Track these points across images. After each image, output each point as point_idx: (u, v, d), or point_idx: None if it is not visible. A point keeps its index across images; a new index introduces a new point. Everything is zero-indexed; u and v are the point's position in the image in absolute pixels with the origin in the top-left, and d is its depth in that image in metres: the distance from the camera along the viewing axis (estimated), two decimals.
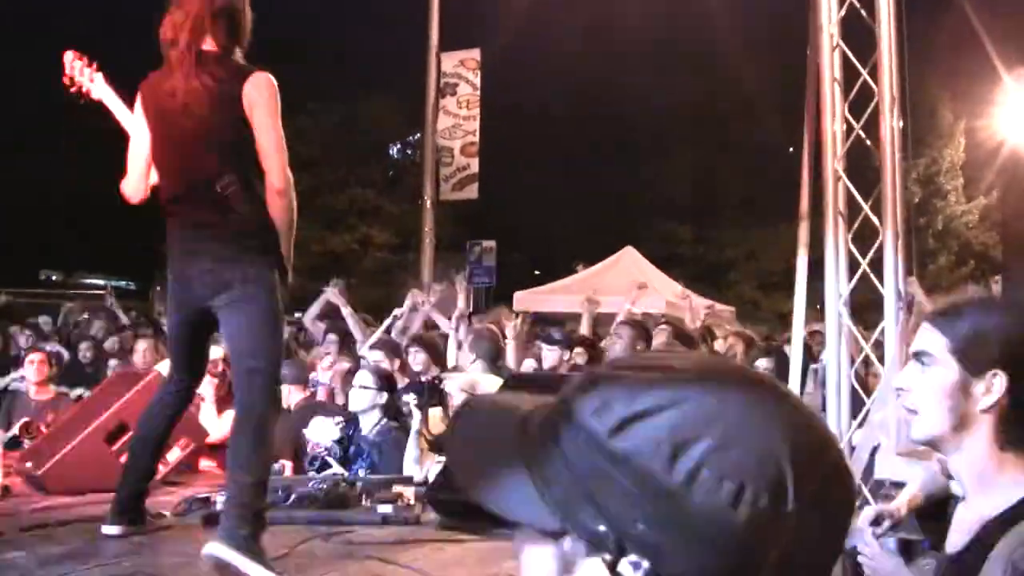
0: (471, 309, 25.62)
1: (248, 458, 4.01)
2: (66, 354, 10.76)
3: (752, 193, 31.24)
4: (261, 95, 4.07)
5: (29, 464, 5.94)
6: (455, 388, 6.00)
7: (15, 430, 7.04)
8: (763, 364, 8.04)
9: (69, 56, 4.71)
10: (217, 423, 6.71)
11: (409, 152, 30.72)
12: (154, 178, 4.42)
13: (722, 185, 33.48)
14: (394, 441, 6.11)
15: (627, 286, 17.63)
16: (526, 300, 19.19)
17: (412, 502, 5.11)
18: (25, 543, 4.47)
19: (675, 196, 33.26)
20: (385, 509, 5.00)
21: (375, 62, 26.05)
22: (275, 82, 4.14)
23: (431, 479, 5.64)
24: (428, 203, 19.21)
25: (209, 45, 4.18)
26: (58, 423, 6.53)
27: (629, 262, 19.25)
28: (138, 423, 4.68)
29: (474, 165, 19.07)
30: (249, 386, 4.11)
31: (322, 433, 6.35)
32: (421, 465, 5.79)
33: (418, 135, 20.62)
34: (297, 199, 4.20)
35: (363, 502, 5.14)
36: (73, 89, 4.69)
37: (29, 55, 19.53)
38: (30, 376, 7.68)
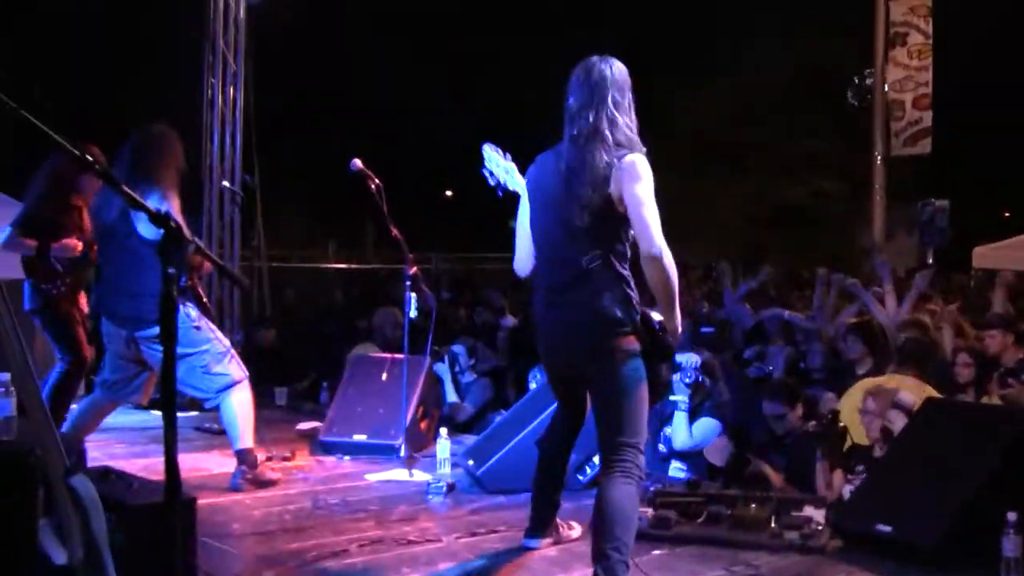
0: (930, 261, 24.39)
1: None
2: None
3: None
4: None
5: (471, 462, 6.50)
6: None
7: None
8: None
9: (487, 148, 4.88)
10: (686, 432, 6.84)
11: (857, 102, 29.51)
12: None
13: None
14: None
15: None
16: (988, 256, 18.00)
17: (821, 527, 5.09)
18: (458, 552, 4.98)
19: None
20: (792, 535, 5.02)
21: (823, 6, 25.26)
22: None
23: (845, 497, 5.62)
24: (878, 159, 18.55)
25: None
26: (500, 422, 7.04)
27: None
28: (539, 442, 5.03)
29: (927, 119, 18.16)
30: (616, 459, 4.30)
31: None
32: (831, 488, 5.75)
33: (869, 80, 19.76)
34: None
35: (772, 524, 5.18)
36: (491, 181, 4.87)
37: None
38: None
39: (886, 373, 6.82)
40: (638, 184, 4.26)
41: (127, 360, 6.19)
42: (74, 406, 6.76)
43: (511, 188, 4.85)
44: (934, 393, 6.14)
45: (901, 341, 7.29)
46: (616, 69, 4.49)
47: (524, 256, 4.73)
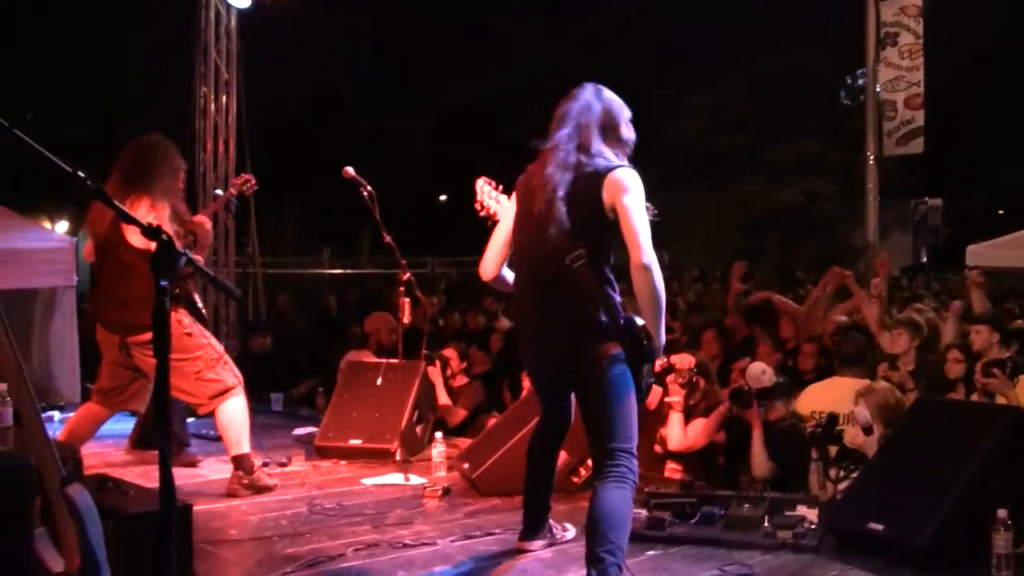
0: (924, 259, 24.38)
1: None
2: None
3: None
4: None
5: (466, 465, 6.53)
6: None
7: None
8: None
9: (480, 183, 5.04)
10: (681, 433, 6.80)
11: (850, 102, 29.55)
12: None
13: None
14: None
15: None
16: (980, 254, 18.06)
17: (814, 525, 5.13)
18: (453, 555, 5.01)
19: None
20: (784, 535, 5.05)
21: (812, 8, 25.33)
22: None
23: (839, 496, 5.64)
24: (871, 159, 18.56)
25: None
26: (495, 425, 7.08)
27: None
28: (528, 445, 5.05)
29: (919, 118, 18.07)
30: (610, 464, 4.32)
31: None
32: (825, 487, 5.78)
33: (861, 81, 19.84)
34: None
35: (765, 523, 5.21)
36: (483, 213, 4.99)
37: None
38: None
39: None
40: (629, 195, 4.32)
41: (122, 367, 6.23)
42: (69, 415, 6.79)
43: (500, 218, 4.93)
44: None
45: (838, 341, 7.33)
46: (610, 94, 4.62)
47: (493, 259, 4.77)
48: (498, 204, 4.99)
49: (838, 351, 7.12)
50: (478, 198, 5.02)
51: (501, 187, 5.05)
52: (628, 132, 4.61)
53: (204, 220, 6.60)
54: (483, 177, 5.08)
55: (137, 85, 21.84)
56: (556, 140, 4.52)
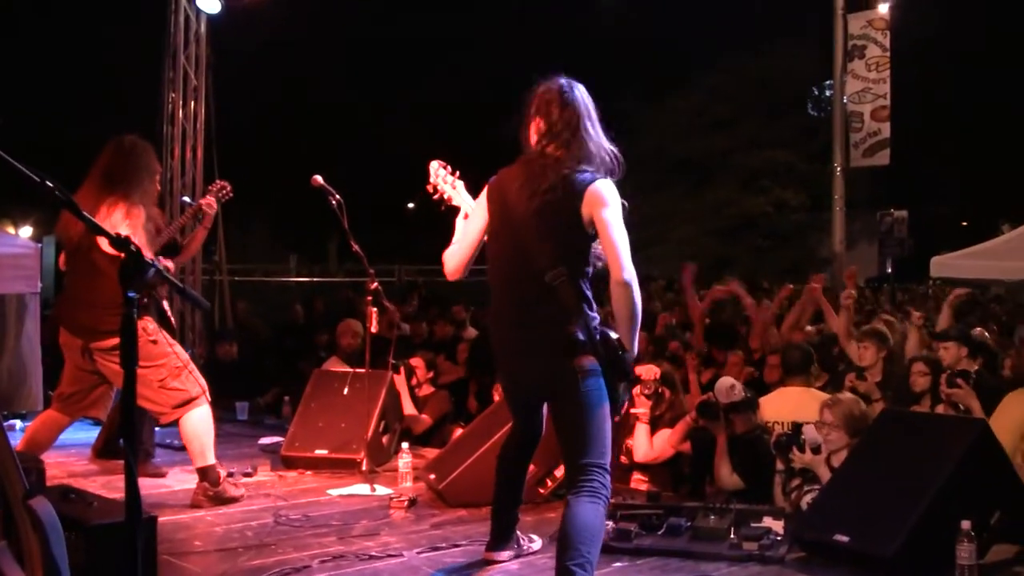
0: (889, 271, 24.56)
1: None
2: None
3: None
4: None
5: (433, 476, 6.50)
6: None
7: None
8: None
9: (434, 165, 4.98)
10: (647, 444, 6.82)
11: (818, 113, 29.77)
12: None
13: None
14: None
15: None
16: (944, 265, 18.21)
17: (780, 537, 5.15)
18: (420, 567, 4.99)
19: None
20: (751, 547, 5.07)
21: (784, 16, 25.50)
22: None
23: (803, 507, 5.67)
24: (838, 170, 18.76)
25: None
26: (462, 435, 7.06)
27: None
28: (498, 456, 5.04)
29: (885, 130, 18.29)
30: (583, 480, 4.31)
31: None
32: (791, 497, 5.81)
33: (829, 92, 20.04)
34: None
35: (731, 535, 5.22)
36: (435, 197, 4.95)
37: None
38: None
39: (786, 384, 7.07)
40: (608, 209, 4.31)
41: (84, 371, 6.17)
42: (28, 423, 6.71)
43: (455, 203, 4.91)
44: (823, 397, 6.29)
45: (784, 351, 7.40)
46: (583, 91, 4.54)
47: (460, 260, 4.67)
48: (453, 189, 4.94)
49: (784, 361, 7.16)
50: (431, 180, 4.96)
51: (458, 172, 4.99)
52: (601, 134, 4.52)
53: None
54: (437, 160, 5.01)
55: (105, 88, 21.74)
56: (531, 150, 4.52)
